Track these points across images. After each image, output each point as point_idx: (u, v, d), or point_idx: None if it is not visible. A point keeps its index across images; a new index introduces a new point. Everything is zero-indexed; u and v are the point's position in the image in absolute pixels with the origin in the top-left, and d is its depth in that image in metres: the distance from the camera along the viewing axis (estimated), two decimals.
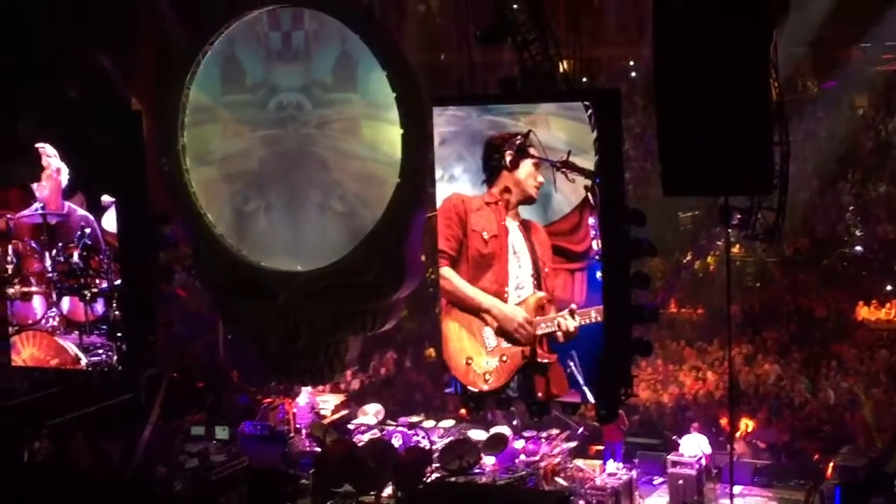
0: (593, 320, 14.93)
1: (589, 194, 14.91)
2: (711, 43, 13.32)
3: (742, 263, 24.78)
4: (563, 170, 14.98)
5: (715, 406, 20.77)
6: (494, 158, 15.38)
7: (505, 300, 15.50)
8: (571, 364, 15.30)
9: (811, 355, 21.87)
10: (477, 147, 15.61)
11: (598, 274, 14.92)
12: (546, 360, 15.39)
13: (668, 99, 13.67)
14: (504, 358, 15.68)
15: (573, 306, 15.06)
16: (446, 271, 15.79)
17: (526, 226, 15.38)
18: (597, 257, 14.95)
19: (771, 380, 21.27)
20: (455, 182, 15.86)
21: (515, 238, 15.37)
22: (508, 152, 15.24)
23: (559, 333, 15.24)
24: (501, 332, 15.61)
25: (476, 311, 15.69)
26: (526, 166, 15.22)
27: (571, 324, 15.09)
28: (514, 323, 15.48)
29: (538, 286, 15.34)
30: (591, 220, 14.94)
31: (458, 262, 15.65)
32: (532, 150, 15.18)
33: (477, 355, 15.86)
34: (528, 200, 15.30)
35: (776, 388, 21.04)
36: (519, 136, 15.14)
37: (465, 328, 15.83)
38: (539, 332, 15.38)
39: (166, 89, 17.78)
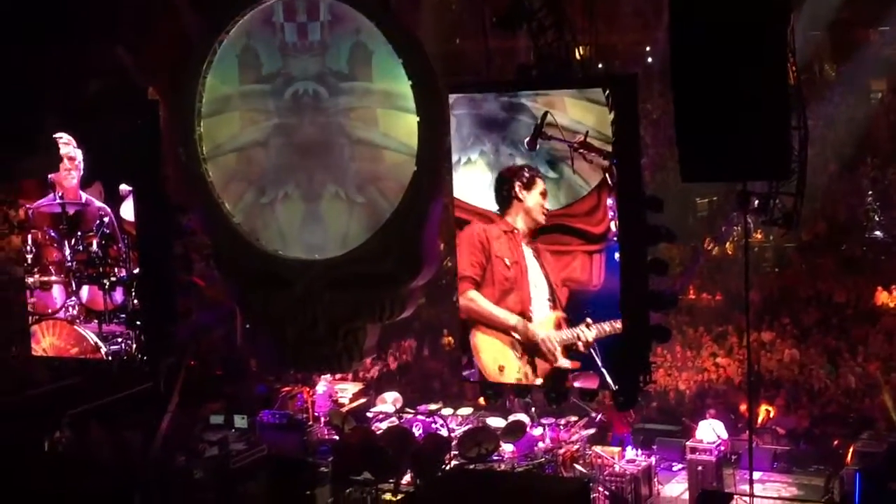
0: (607, 333, 15.31)
1: (607, 175, 14.93)
2: (729, 27, 13.25)
3: (760, 249, 24.68)
4: (581, 151, 15.03)
5: (734, 392, 20.73)
6: (505, 189, 15.73)
7: (530, 319, 15.88)
8: (591, 349, 15.45)
9: (831, 341, 21.78)
10: (493, 129, 15.76)
11: (617, 255, 15.00)
12: (570, 367, 15.76)
13: (685, 84, 13.60)
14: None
15: (589, 320, 15.42)
16: (473, 294, 16.14)
17: (536, 251, 15.72)
18: (615, 239, 15.01)
19: (790, 365, 21.20)
20: (472, 165, 15.96)
21: (531, 263, 15.76)
22: (517, 184, 15.59)
23: (579, 343, 15.58)
24: (526, 348, 15.94)
25: (503, 329, 16.02)
26: (534, 196, 15.58)
27: (589, 335, 15.46)
28: (536, 340, 15.83)
29: (553, 306, 15.69)
30: (610, 202, 15.00)
31: (482, 286, 16.06)
32: (549, 131, 15.26)
33: (508, 362, 16.15)
34: (537, 228, 15.65)
35: (796, 374, 20.97)
36: (526, 168, 15.53)
37: (497, 339, 16.16)
38: (561, 342, 15.70)
39: (182, 79, 17.80)
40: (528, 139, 15.49)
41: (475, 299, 16.13)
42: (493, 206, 15.95)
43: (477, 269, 16.06)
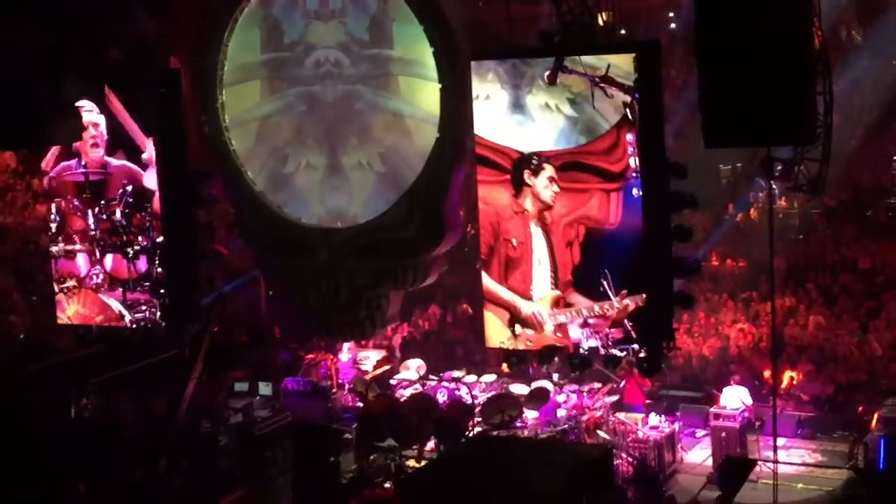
0: (596, 314, 15.54)
1: (627, 111, 14.92)
2: None
3: (785, 215, 24.57)
4: (602, 85, 14.99)
5: (758, 358, 20.69)
6: (517, 175, 15.94)
7: (530, 296, 16.11)
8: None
9: (855, 307, 21.69)
10: (510, 63, 15.84)
11: (635, 192, 15.07)
12: (561, 345, 15.98)
13: (708, 49, 13.49)
14: (529, 343, 16.20)
15: (585, 311, 15.65)
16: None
17: (546, 230, 15.88)
18: (633, 176, 15.05)
19: (815, 332, 21.13)
20: (490, 101, 16.03)
21: (538, 243, 15.97)
22: (527, 171, 15.80)
23: (578, 321, 15.78)
24: (521, 321, 16.19)
25: (505, 306, 16.30)
26: (541, 180, 15.75)
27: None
28: (528, 313, 16.10)
29: (555, 285, 15.87)
30: (630, 137, 15.02)
31: (489, 265, 16.34)
32: (570, 65, 15.27)
33: (508, 340, 16.35)
34: (546, 207, 15.81)
35: (821, 341, 20.91)
36: (535, 156, 15.74)
37: (499, 318, 16.36)
38: (558, 321, 15.89)
39: (204, 46, 17.79)
40: (548, 73, 15.46)
41: (481, 277, 16.43)
42: (511, 143, 16.02)
43: (484, 248, 16.37)
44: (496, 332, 16.45)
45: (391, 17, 16.61)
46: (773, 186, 16.84)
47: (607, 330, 15.53)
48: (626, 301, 15.21)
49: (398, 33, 16.62)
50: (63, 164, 18.14)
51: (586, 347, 15.77)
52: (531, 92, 15.75)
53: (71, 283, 18.20)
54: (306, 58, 17.25)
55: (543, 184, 15.75)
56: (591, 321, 15.61)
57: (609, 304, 15.35)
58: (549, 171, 15.69)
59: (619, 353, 15.57)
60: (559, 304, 15.88)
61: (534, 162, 15.78)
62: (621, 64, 14.94)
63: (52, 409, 18.14)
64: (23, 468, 16.39)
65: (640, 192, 15.03)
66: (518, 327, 16.19)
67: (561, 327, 15.89)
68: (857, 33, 27.37)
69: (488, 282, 16.36)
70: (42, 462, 16.61)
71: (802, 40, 13.37)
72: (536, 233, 15.98)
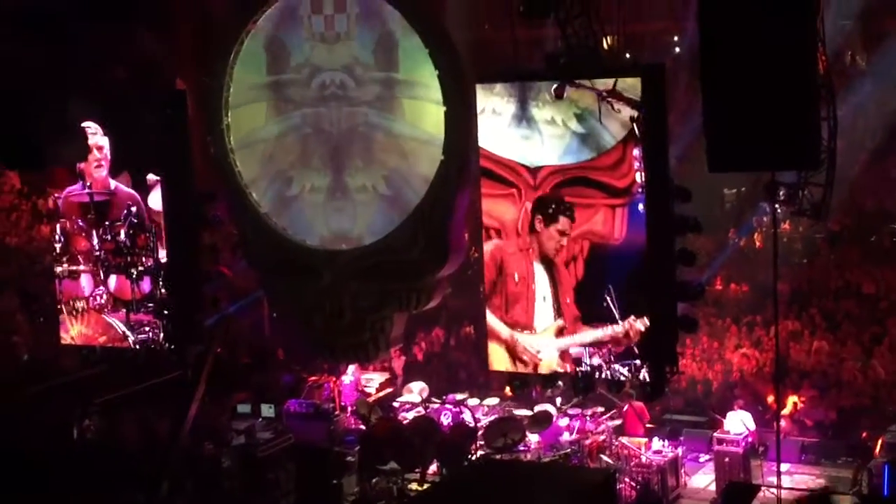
0: (598, 339, 15.66)
1: (634, 125, 14.99)
2: (757, 16, 13.16)
3: (789, 240, 24.55)
4: (609, 99, 15.02)
5: (761, 383, 20.63)
6: (531, 216, 16.04)
7: (533, 328, 16.20)
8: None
9: (859, 332, 21.64)
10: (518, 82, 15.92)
11: (641, 207, 15.10)
12: (563, 370, 16.12)
13: (713, 74, 13.53)
14: (537, 368, 16.31)
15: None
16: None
17: (549, 267, 15.95)
18: (640, 190, 15.07)
19: (818, 357, 21.08)
20: (498, 116, 16.06)
21: (540, 278, 16.10)
22: (538, 216, 15.91)
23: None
24: (513, 356, 16.40)
25: (504, 343, 16.49)
26: (551, 232, 15.91)
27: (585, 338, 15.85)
28: (525, 348, 16.28)
29: (557, 316, 16.00)
30: (636, 153, 15.06)
31: (491, 298, 16.47)
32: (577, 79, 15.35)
33: (513, 368, 16.50)
34: (546, 257, 15.95)
35: (825, 366, 20.85)
36: (554, 204, 15.80)
37: (501, 348, 16.53)
38: (559, 348, 16.02)
39: (210, 68, 17.84)
40: (555, 87, 15.49)
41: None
42: (517, 157, 16.04)
43: (487, 284, 16.47)
44: (499, 357, 16.52)
45: (397, 40, 16.67)
46: (777, 211, 16.81)
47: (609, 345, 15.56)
48: (631, 324, 15.23)
49: (404, 56, 16.69)
50: (69, 188, 18.21)
51: (588, 364, 15.74)
52: (538, 106, 15.80)
53: (80, 304, 18.21)
54: (312, 80, 17.32)
55: (551, 236, 15.85)
56: None
57: (613, 331, 15.37)
58: (561, 224, 15.74)
59: (621, 370, 15.55)
60: (563, 333, 15.97)
61: (551, 209, 15.81)
62: (629, 79, 15.03)
63: (55, 430, 18.13)
64: (25, 489, 16.35)
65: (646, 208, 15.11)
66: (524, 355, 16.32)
67: (564, 352, 15.95)
68: (862, 59, 27.39)
69: (490, 318, 16.45)
70: (45, 483, 16.57)
71: (807, 65, 13.40)
72: (539, 269, 16.07)
